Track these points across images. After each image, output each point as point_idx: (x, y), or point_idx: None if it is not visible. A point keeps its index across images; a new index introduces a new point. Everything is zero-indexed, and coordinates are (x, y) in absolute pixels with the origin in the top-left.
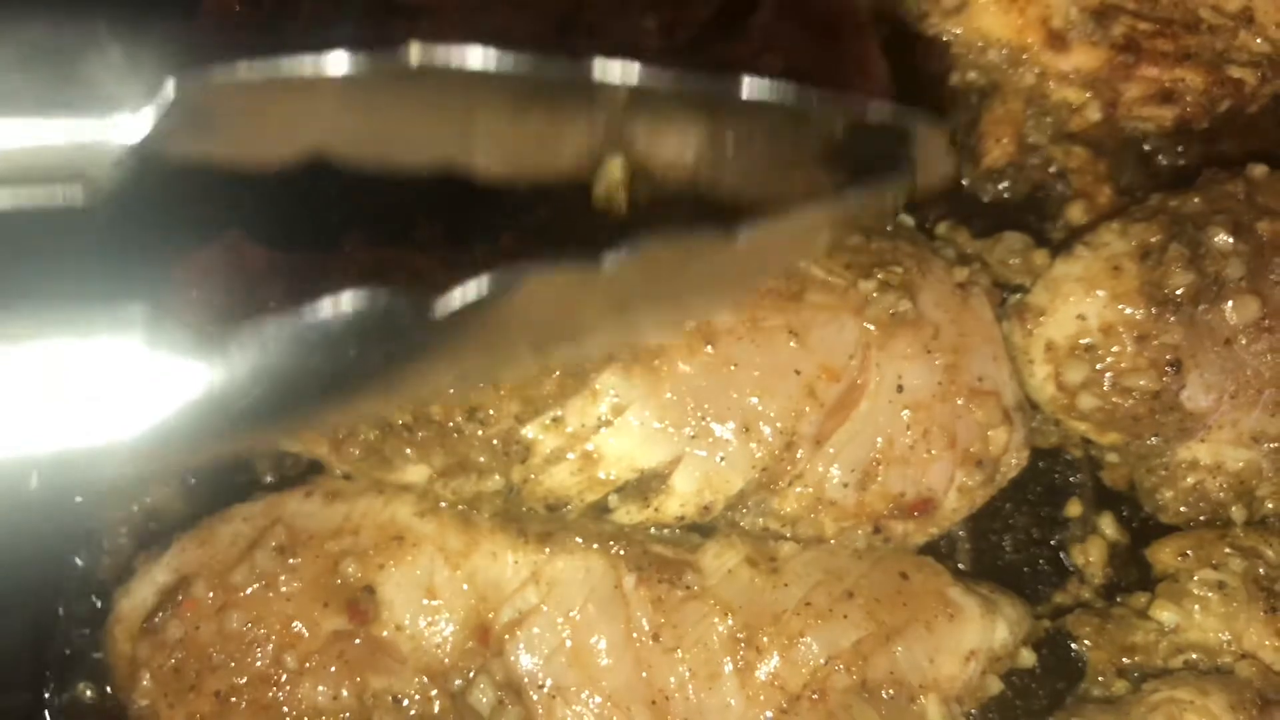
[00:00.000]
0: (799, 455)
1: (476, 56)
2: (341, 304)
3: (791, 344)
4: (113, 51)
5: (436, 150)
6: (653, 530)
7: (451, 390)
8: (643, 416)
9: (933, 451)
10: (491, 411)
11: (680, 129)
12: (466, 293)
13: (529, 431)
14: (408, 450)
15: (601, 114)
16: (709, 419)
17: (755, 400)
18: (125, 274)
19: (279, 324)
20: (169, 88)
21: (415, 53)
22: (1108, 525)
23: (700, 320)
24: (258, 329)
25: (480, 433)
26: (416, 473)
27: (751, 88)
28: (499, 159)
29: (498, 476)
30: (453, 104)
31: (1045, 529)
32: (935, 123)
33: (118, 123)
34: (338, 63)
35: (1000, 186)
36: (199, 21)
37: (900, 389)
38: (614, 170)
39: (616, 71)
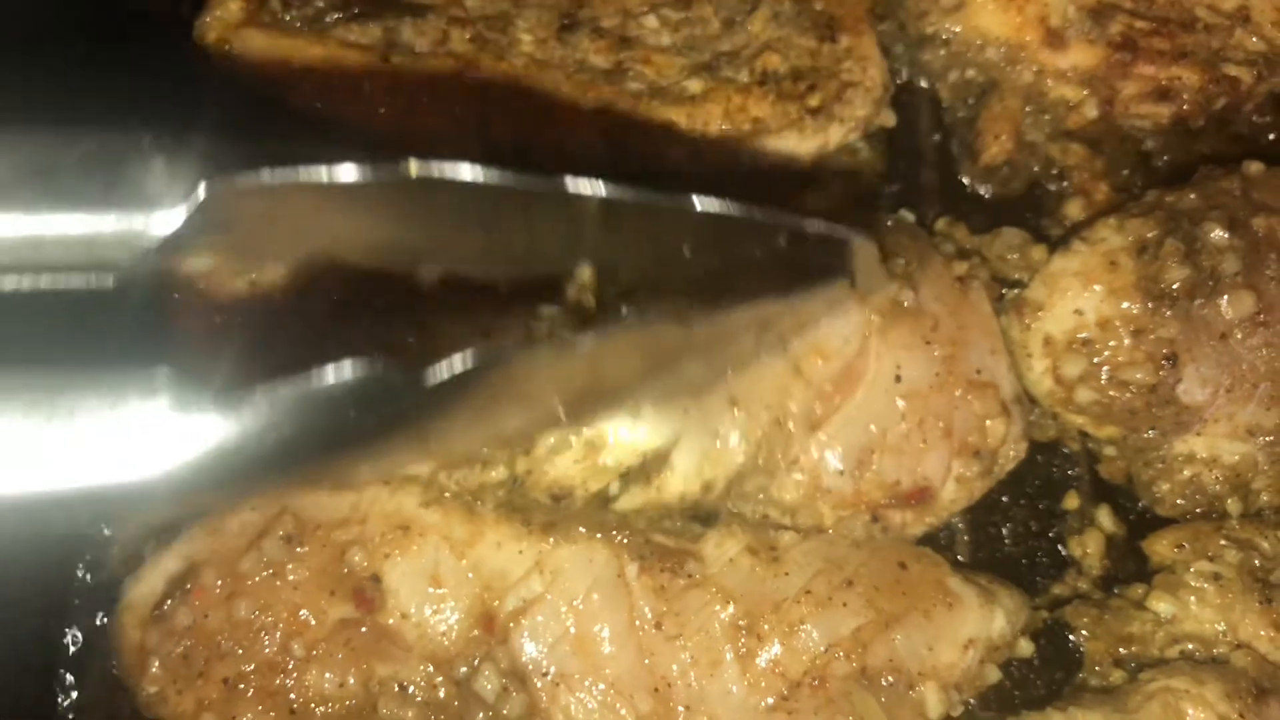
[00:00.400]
0: (792, 435)
1: (466, 171)
2: (343, 371)
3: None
4: (155, 159)
5: (430, 256)
6: (655, 517)
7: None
8: (641, 400)
9: (928, 441)
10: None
11: (641, 239)
12: (454, 364)
13: None
14: None
15: (573, 225)
16: (704, 396)
17: (745, 376)
18: (151, 342)
19: (287, 387)
20: (200, 190)
21: (413, 167)
22: (1105, 518)
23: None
24: (269, 392)
25: None
26: (421, 464)
27: (702, 202)
28: (485, 266)
29: (502, 468)
30: (445, 215)
31: (1043, 521)
32: (867, 238)
33: (154, 219)
34: (347, 173)
35: (998, 183)
36: (227, 133)
37: (898, 379)
38: (584, 275)
39: (584, 186)
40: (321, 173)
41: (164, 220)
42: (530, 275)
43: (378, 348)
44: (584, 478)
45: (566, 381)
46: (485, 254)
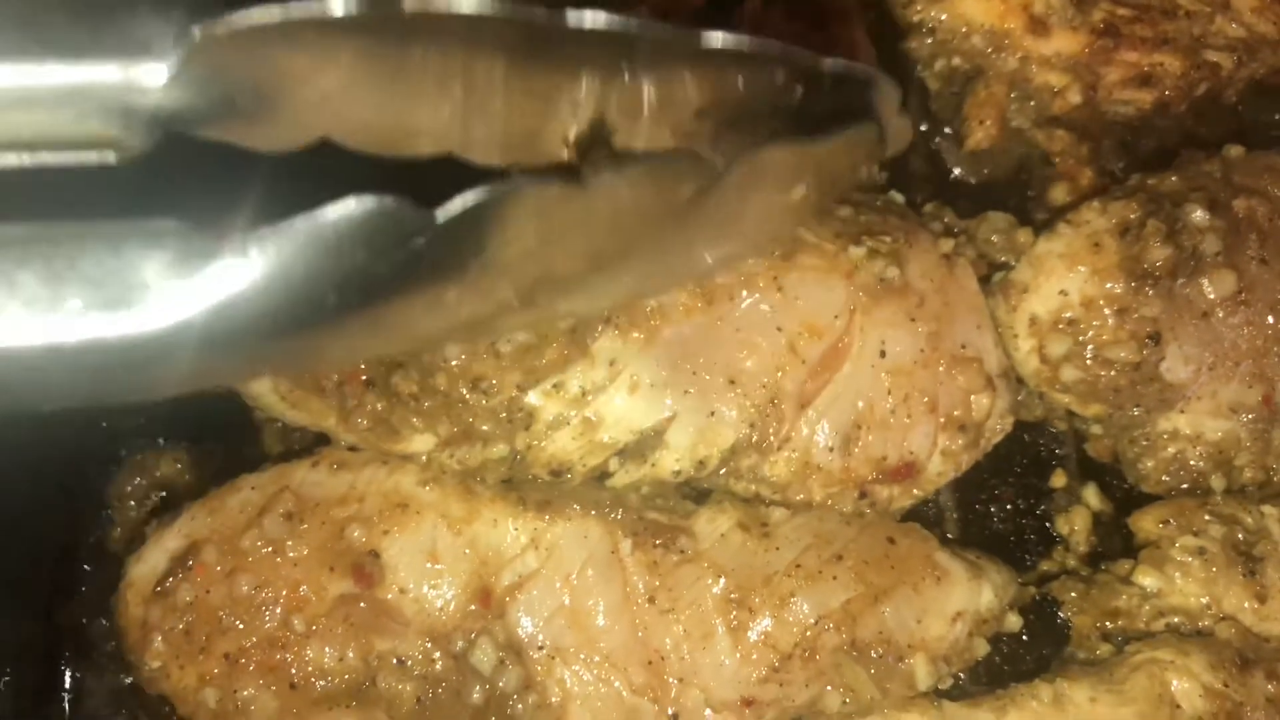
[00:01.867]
0: (784, 413)
1: (464, 3)
2: (349, 207)
3: (777, 302)
4: (144, 4)
5: (435, 134)
6: (648, 494)
7: (456, 339)
8: (638, 379)
9: (913, 416)
10: (495, 381)
11: (656, 89)
12: (465, 199)
13: (531, 399)
14: (414, 420)
15: (583, 82)
16: (699, 374)
17: (740, 355)
18: (157, 194)
19: (292, 226)
20: (194, 33)
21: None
22: (1091, 495)
23: (695, 282)
24: (274, 231)
25: (484, 402)
26: (422, 442)
27: (714, 38)
28: (492, 141)
29: (502, 445)
30: (447, 73)
31: (1031, 499)
32: (888, 79)
33: (149, 68)
34: (339, 5)
35: (985, 169)
36: None
37: (883, 354)
38: (599, 139)
39: (591, 18)
40: (313, 6)
41: (159, 69)
42: (537, 130)
43: (389, 188)
44: (582, 454)
45: (579, 228)
46: (478, 109)
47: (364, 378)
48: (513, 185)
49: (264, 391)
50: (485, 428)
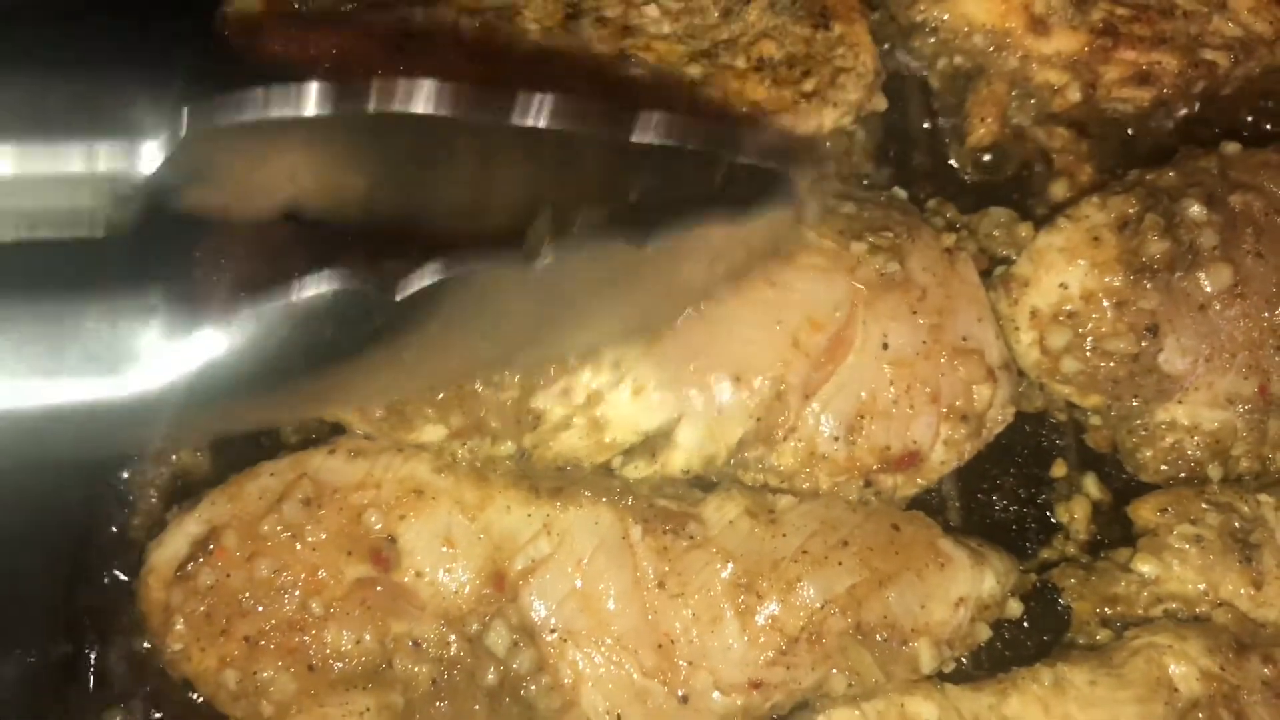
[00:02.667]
0: (789, 405)
1: (421, 101)
2: (318, 286)
3: (778, 298)
4: (140, 97)
5: (394, 204)
6: (658, 483)
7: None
8: (642, 381)
9: (916, 406)
10: (505, 376)
11: (591, 172)
12: (421, 276)
13: (539, 401)
14: (428, 410)
15: (525, 158)
16: (704, 374)
17: (745, 351)
18: (145, 272)
19: (268, 304)
20: (183, 116)
21: (374, 96)
22: (1091, 485)
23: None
24: (252, 309)
25: (495, 395)
26: (434, 432)
27: (641, 131)
28: (447, 212)
29: (510, 442)
30: (405, 158)
31: (1032, 489)
32: (798, 170)
33: (142, 153)
34: (311, 102)
35: (986, 165)
36: (212, 77)
37: (885, 346)
38: (542, 223)
39: (531, 113)
40: (289, 103)
41: (151, 155)
42: (488, 211)
43: (352, 269)
44: (589, 453)
45: (530, 299)
46: (444, 190)
47: None
48: (465, 266)
49: None
50: (494, 424)
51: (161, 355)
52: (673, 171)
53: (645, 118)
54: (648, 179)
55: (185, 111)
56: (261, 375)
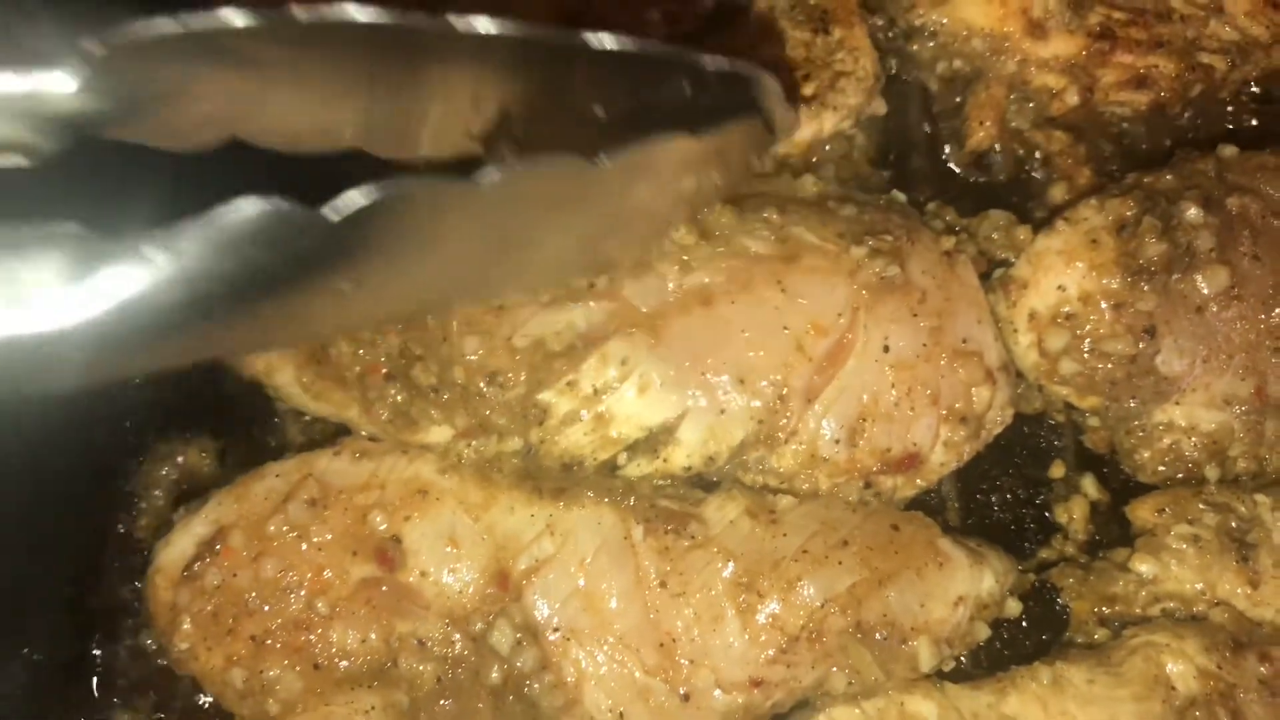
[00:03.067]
0: (791, 409)
1: (352, 10)
2: (240, 209)
3: (782, 302)
4: (46, 18)
5: (340, 131)
6: (659, 483)
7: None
8: (648, 378)
9: (916, 409)
10: (510, 375)
11: (542, 84)
12: (353, 198)
13: (545, 396)
14: (433, 412)
15: (471, 71)
16: (709, 375)
17: (749, 355)
18: (59, 200)
19: (185, 228)
20: (95, 45)
21: (297, 10)
22: (1089, 485)
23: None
24: (168, 234)
25: (500, 396)
26: (440, 433)
27: (600, 40)
28: (396, 136)
29: (517, 438)
30: (349, 74)
31: (1030, 490)
32: (769, 75)
33: (53, 78)
34: (235, 16)
35: (985, 168)
36: None
37: (886, 349)
38: (485, 123)
39: (478, 23)
40: (210, 18)
41: (65, 78)
42: (432, 128)
43: (285, 191)
44: (593, 449)
45: (476, 222)
46: (382, 105)
47: (384, 371)
48: (401, 184)
49: (287, 383)
50: (501, 421)
51: (74, 289)
52: (630, 81)
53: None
54: (602, 90)
55: (103, 32)
56: (185, 308)
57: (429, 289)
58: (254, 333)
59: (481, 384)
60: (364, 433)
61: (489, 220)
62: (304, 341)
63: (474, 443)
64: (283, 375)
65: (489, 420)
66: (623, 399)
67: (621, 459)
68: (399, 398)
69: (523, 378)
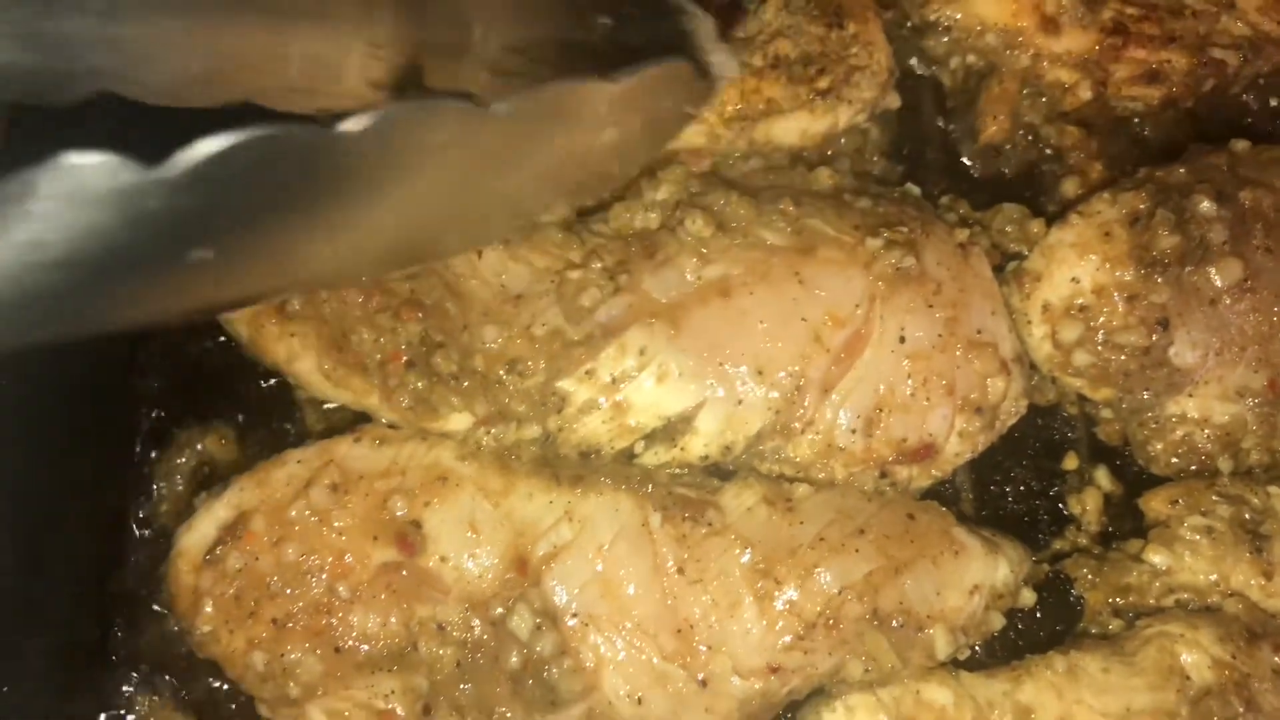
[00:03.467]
0: (808, 400)
1: None
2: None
3: (800, 293)
4: None
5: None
6: (676, 471)
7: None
8: (666, 368)
9: (932, 399)
10: (530, 363)
11: (450, 25)
12: (209, 145)
13: (564, 384)
14: (453, 399)
15: (386, 19)
16: (727, 365)
17: (767, 346)
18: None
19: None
20: None
21: None
22: (1103, 477)
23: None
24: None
25: (520, 383)
26: (460, 421)
27: None
28: (294, 84)
29: (535, 426)
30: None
31: (1044, 481)
32: (701, 11)
33: None
34: None
35: (998, 163)
36: None
37: (902, 340)
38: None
39: None
40: None
41: None
42: (325, 77)
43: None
44: (611, 437)
45: (362, 176)
46: (289, 45)
47: (405, 359)
48: (259, 131)
49: (308, 370)
50: (520, 409)
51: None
52: (540, 15)
53: None
54: (509, 25)
55: None
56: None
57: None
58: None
59: (501, 372)
60: (384, 420)
61: (380, 172)
62: (301, 285)
63: (493, 430)
64: (303, 363)
65: (508, 408)
66: (641, 388)
67: (639, 447)
68: (419, 385)
69: (542, 366)
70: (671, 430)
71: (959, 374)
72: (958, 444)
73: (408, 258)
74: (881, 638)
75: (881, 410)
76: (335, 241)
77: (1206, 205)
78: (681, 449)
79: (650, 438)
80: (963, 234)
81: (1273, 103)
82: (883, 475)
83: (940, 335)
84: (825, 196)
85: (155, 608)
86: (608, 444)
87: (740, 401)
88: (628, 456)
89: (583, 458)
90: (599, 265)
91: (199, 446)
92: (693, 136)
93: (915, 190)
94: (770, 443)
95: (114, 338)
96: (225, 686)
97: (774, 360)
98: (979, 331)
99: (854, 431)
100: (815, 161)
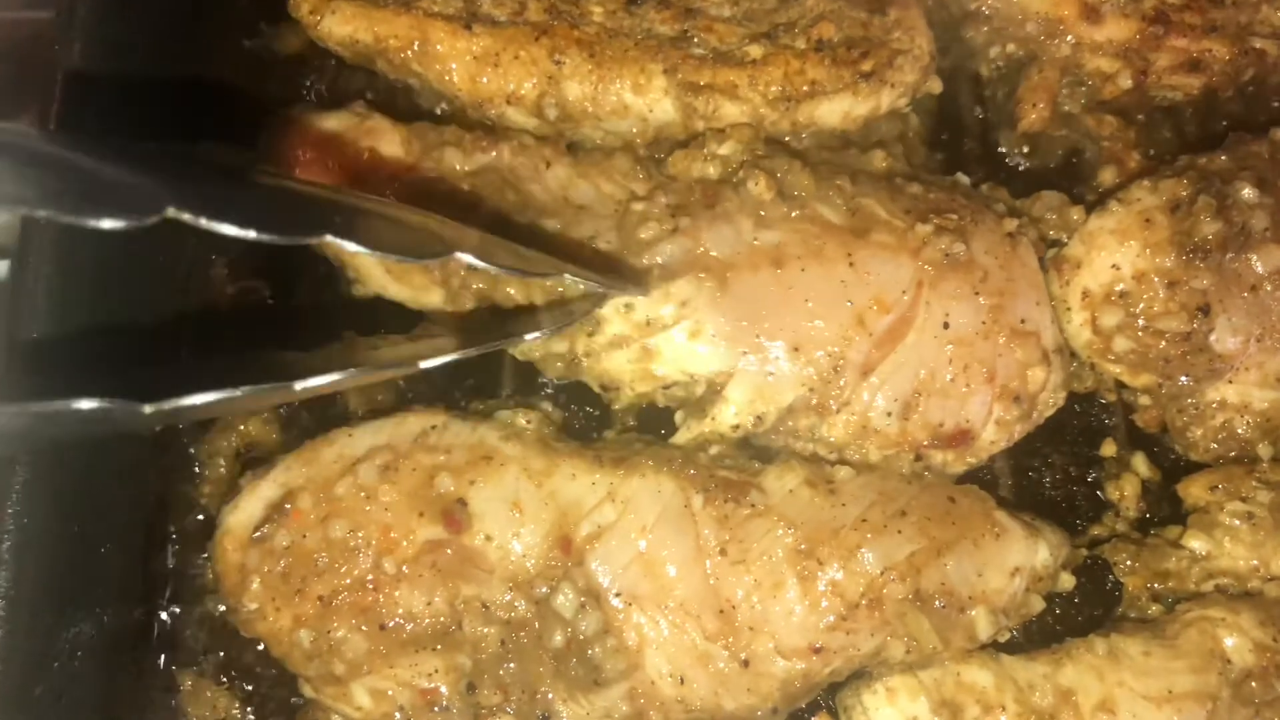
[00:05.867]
0: (844, 380)
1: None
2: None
3: (850, 276)
4: None
5: None
6: (715, 451)
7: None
8: (701, 326)
9: (971, 385)
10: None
11: None
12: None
13: (603, 309)
14: (511, 290)
15: None
16: (762, 338)
17: (808, 324)
18: None
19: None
20: None
21: None
22: (1140, 464)
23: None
24: None
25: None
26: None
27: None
28: None
29: (565, 342)
30: None
31: (1082, 467)
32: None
33: None
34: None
35: (1036, 151)
36: None
37: (946, 325)
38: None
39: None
40: None
41: None
42: None
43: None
44: (632, 378)
45: None
46: None
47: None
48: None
49: (368, 265)
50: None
51: None
52: None
53: None
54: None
55: None
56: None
57: None
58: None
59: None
60: (438, 316)
61: None
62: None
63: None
64: (364, 258)
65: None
66: (671, 340)
67: (678, 417)
68: (480, 285)
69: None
70: (702, 401)
71: (1000, 362)
72: (994, 432)
73: None
74: (923, 618)
75: (920, 394)
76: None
77: (1249, 192)
78: (713, 419)
79: (683, 408)
80: (1011, 224)
81: None
82: (917, 459)
83: (984, 322)
84: (879, 178)
85: (199, 587)
86: (629, 384)
87: (772, 375)
88: (658, 430)
89: (604, 391)
90: (663, 201)
91: (242, 429)
92: (736, 115)
93: (965, 180)
94: (805, 420)
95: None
96: (270, 670)
97: (813, 339)
98: (1023, 321)
99: (890, 414)
100: (863, 145)
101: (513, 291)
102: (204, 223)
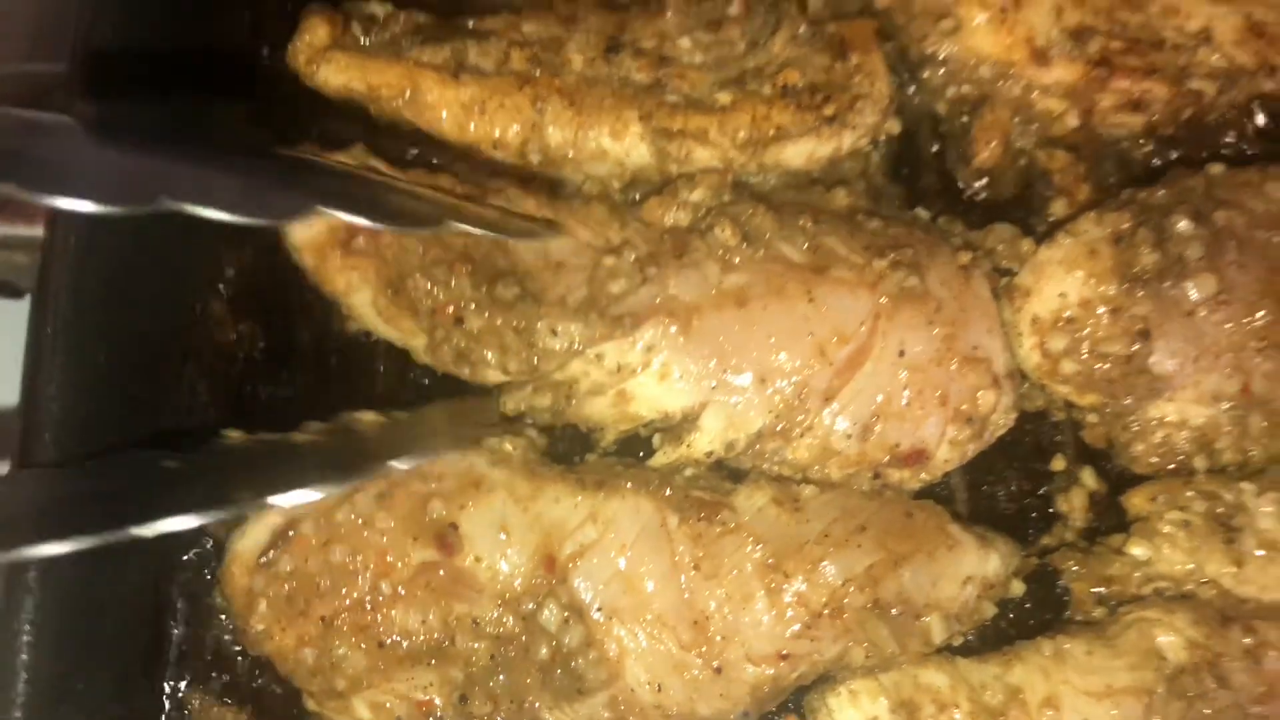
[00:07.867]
0: (808, 407)
1: None
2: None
3: (810, 311)
4: None
5: None
6: (690, 474)
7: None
8: (669, 369)
9: (925, 409)
10: (561, 328)
11: None
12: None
13: (575, 364)
14: (488, 354)
15: None
16: (728, 374)
17: (773, 358)
18: None
19: None
20: None
21: None
22: (1088, 477)
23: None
24: None
25: (550, 344)
26: (493, 375)
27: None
28: None
29: (549, 395)
30: None
31: (1033, 482)
32: None
33: None
34: None
35: (991, 185)
36: None
37: (902, 353)
38: None
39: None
40: None
41: None
42: None
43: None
44: (614, 420)
45: None
46: None
47: (453, 313)
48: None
49: (363, 304)
50: (550, 365)
51: None
52: None
53: None
54: None
55: None
56: None
57: None
58: None
59: (537, 327)
60: (422, 361)
61: None
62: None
63: (516, 395)
64: (360, 295)
65: (536, 368)
66: (642, 383)
67: (655, 442)
68: (462, 344)
69: (572, 330)
70: (678, 428)
71: (953, 386)
72: (948, 451)
73: None
74: (882, 625)
75: (878, 418)
76: None
77: (1185, 225)
78: (688, 446)
79: (660, 433)
80: (965, 257)
81: (1248, 128)
82: (875, 477)
83: (938, 350)
84: (840, 216)
85: (208, 608)
86: (612, 425)
87: (741, 406)
88: (637, 454)
89: (588, 433)
90: (633, 256)
91: None
92: (707, 159)
93: (924, 215)
94: (772, 444)
95: None
96: (275, 688)
97: (778, 370)
98: (975, 348)
99: (850, 436)
100: (827, 183)
101: (490, 356)
102: (198, 210)
